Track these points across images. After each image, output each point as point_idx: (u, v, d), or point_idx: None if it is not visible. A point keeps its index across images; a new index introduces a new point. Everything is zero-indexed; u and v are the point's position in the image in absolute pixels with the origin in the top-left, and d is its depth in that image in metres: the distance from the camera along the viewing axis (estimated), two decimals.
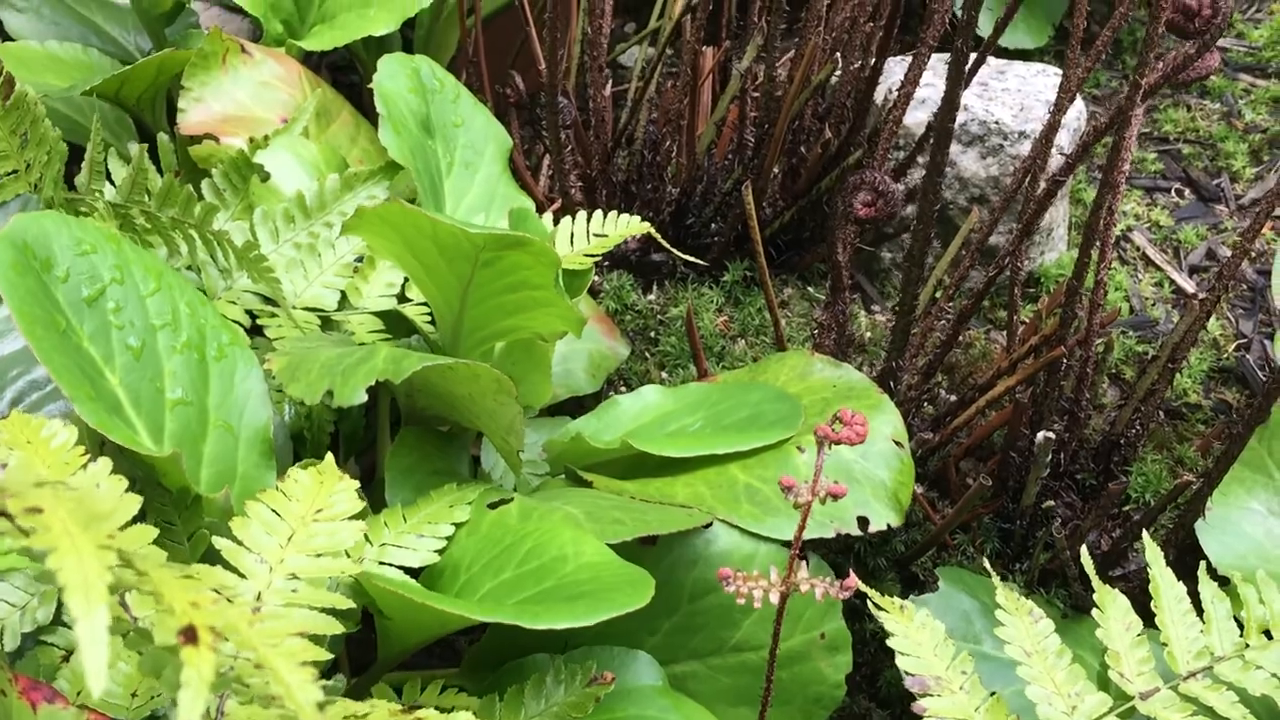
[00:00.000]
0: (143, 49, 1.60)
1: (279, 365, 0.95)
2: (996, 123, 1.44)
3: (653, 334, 1.47)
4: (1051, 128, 1.15)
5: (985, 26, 1.90)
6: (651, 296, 1.50)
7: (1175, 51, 1.03)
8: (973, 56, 1.59)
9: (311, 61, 1.47)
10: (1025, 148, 1.44)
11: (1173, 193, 1.75)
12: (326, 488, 0.78)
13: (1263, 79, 1.91)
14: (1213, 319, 1.54)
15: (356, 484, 0.81)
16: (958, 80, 1.02)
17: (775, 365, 1.21)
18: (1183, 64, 1.00)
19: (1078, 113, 1.51)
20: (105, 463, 0.67)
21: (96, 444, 0.86)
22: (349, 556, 0.82)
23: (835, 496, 0.75)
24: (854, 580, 0.74)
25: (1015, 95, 1.47)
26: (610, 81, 1.53)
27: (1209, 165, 1.78)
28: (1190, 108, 1.86)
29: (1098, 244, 1.12)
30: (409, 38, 1.70)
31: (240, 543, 0.72)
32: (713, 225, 1.50)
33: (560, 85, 1.43)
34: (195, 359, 0.95)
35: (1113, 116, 1.03)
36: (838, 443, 0.75)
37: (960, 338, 1.40)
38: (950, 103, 1.04)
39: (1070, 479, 1.24)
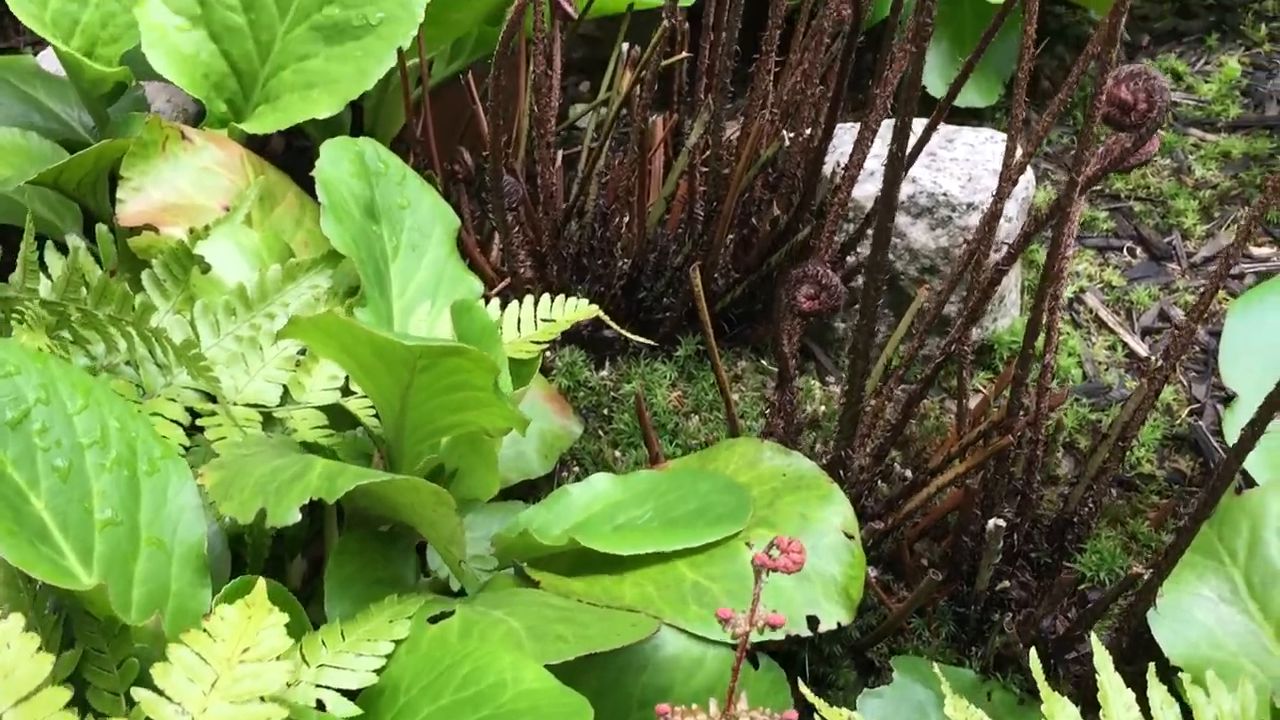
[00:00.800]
0: (87, 124, 1.58)
1: (212, 481, 0.93)
2: (944, 194, 1.44)
3: (606, 411, 1.45)
4: (994, 215, 1.15)
5: (937, 87, 1.91)
6: (604, 372, 1.48)
7: (1114, 140, 1.03)
8: (922, 123, 1.59)
9: (256, 141, 1.45)
10: (974, 219, 1.44)
11: (1125, 251, 1.75)
12: (255, 623, 0.76)
13: (1212, 133, 1.92)
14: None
15: (286, 618, 0.79)
16: (898, 171, 1.01)
17: (725, 452, 1.20)
18: (1120, 156, 1.00)
19: (1026, 182, 1.51)
20: (17, 620, 0.65)
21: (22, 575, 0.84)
22: (283, 682, 0.80)
23: (773, 626, 0.74)
24: (793, 714, 0.73)
25: (963, 165, 1.47)
26: (560, 155, 1.52)
27: (1160, 223, 1.79)
28: (1140, 164, 1.87)
29: (1043, 329, 1.12)
30: (360, 107, 1.69)
31: (161, 692, 0.70)
32: (665, 299, 1.50)
33: (507, 164, 1.42)
34: (125, 475, 0.93)
35: (1052, 209, 1.03)
36: (775, 570, 0.74)
37: (914, 410, 1.40)
38: (889, 202, 1.04)
39: (1025, 558, 1.24)
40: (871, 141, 1.28)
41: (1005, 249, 1.07)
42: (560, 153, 1.56)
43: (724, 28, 1.48)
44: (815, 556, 1.05)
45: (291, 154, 1.88)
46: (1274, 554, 1.10)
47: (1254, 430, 1.01)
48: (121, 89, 1.48)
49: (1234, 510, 1.12)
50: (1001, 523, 1.09)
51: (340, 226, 1.23)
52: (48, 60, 1.68)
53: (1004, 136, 1.56)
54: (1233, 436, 1.16)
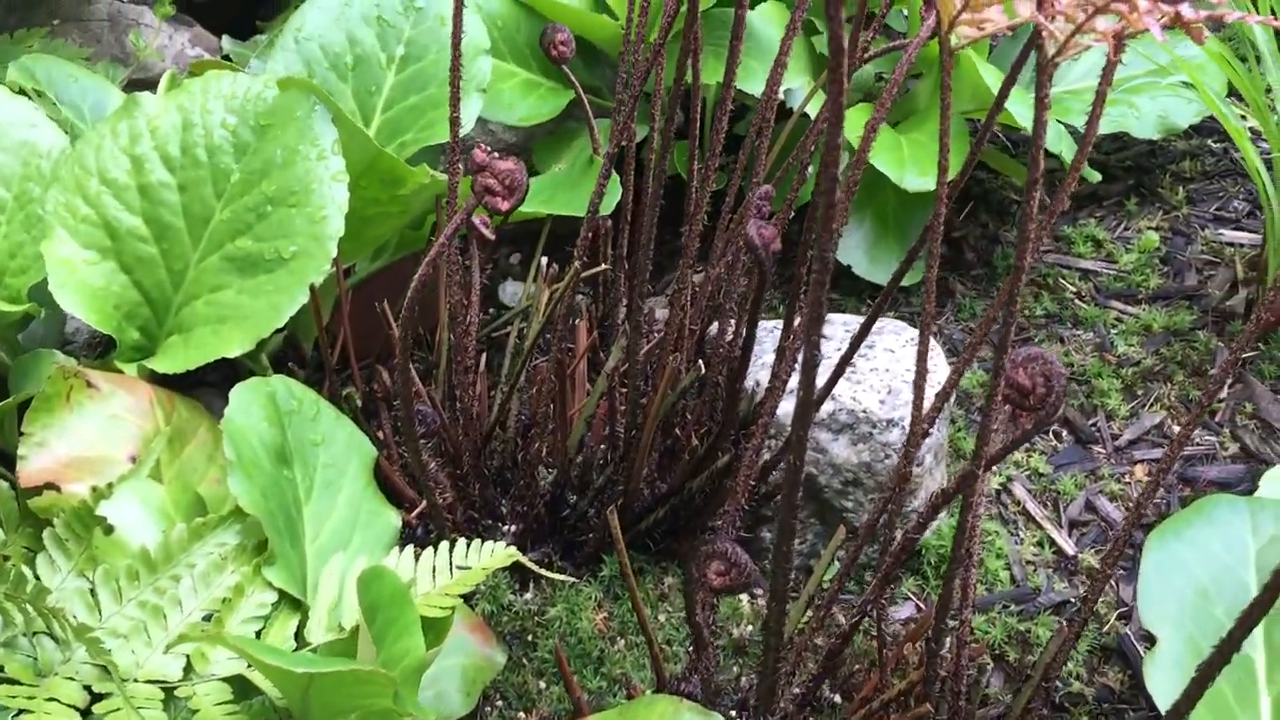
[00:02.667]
0: None
1: None
2: (864, 411, 1.44)
3: (530, 637, 1.43)
4: (908, 459, 1.15)
5: (862, 265, 1.93)
6: (529, 595, 1.46)
7: (1024, 418, 1.03)
8: (844, 320, 1.60)
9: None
10: (895, 435, 1.44)
11: (1051, 434, 1.76)
12: None
13: (1133, 305, 1.94)
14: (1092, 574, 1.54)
15: None
16: (809, 407, 1.01)
17: (644, 711, 1.17)
18: (1022, 438, 1.00)
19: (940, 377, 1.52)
20: None
21: None
22: None
23: None
24: None
25: (883, 377, 1.48)
26: (483, 363, 1.51)
27: (1085, 403, 1.80)
28: (1064, 340, 1.89)
29: (958, 585, 1.11)
30: None
31: None
32: (589, 517, 1.48)
33: (418, 392, 1.40)
34: None
35: (958, 483, 1.03)
36: None
37: (837, 660, 1.38)
38: (799, 442, 1.02)
39: None
40: (793, 364, 1.28)
41: (915, 517, 1.06)
42: (483, 364, 1.54)
43: (642, 230, 1.49)
44: None
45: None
46: None
47: (1188, 698, 1.00)
48: (28, 319, 1.46)
49: None
50: None
51: (249, 482, 1.21)
52: None
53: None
54: (1155, 683, 1.16)
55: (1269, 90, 1.76)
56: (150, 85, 2.09)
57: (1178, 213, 2.10)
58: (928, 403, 1.43)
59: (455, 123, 1.35)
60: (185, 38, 2.14)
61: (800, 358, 0.84)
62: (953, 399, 1.54)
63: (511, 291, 2.02)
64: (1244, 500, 1.27)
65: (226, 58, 2.16)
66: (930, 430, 1.33)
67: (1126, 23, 0.77)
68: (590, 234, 1.37)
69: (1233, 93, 1.98)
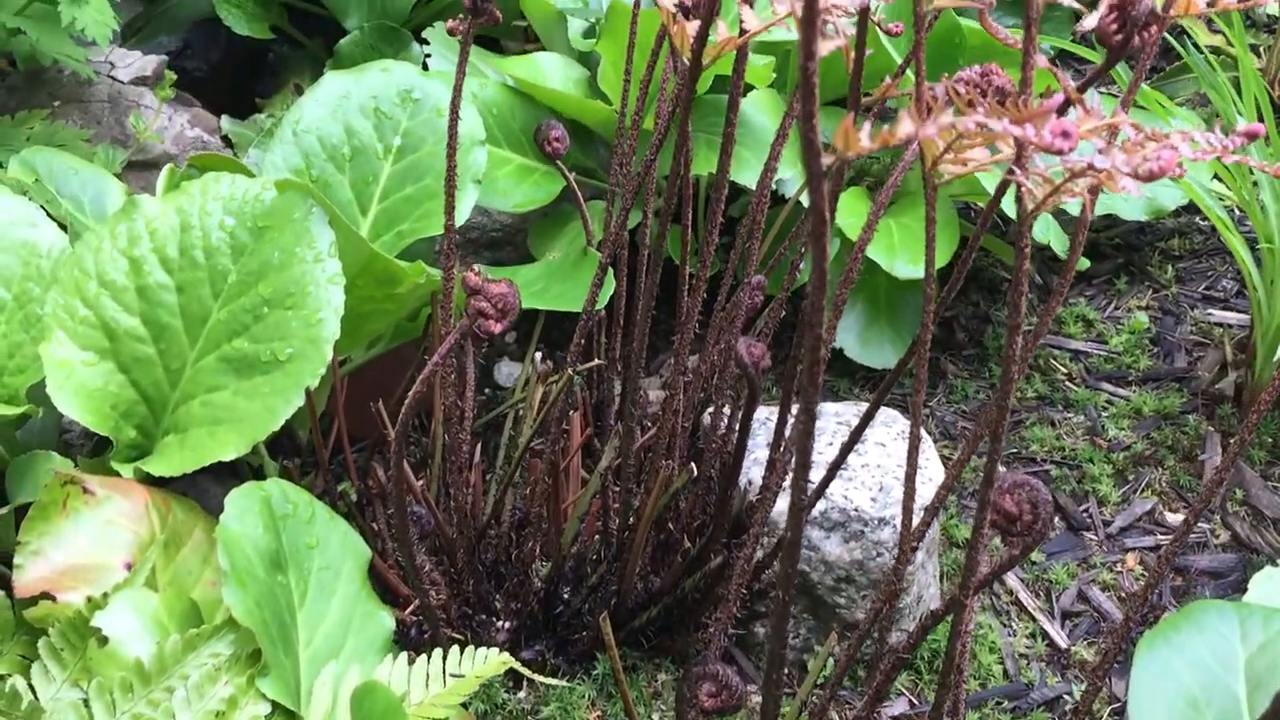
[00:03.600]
0: None
1: None
2: (856, 510, 1.45)
3: None
4: (897, 575, 1.15)
5: (854, 349, 1.94)
6: (522, 694, 1.46)
7: (1012, 542, 1.04)
8: (837, 408, 1.61)
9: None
10: (886, 534, 1.44)
11: None
12: None
13: (1123, 387, 1.96)
14: (1085, 668, 1.55)
15: None
16: (799, 521, 1.01)
17: None
18: (1010, 563, 1.01)
19: (932, 473, 1.53)
20: None
21: None
22: None
23: None
24: None
25: (875, 473, 1.49)
26: (478, 463, 1.52)
27: (1076, 488, 1.81)
28: (1055, 424, 1.90)
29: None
30: None
31: None
32: (583, 615, 1.48)
33: (413, 490, 1.41)
34: None
35: (948, 604, 1.04)
36: None
37: None
38: (794, 545, 1.03)
39: None
40: (783, 476, 1.29)
41: (905, 636, 1.07)
42: (478, 453, 1.55)
43: (635, 324, 1.51)
44: None
45: None
46: None
47: None
48: (25, 418, 1.47)
49: None
50: None
51: (243, 591, 1.21)
52: None
53: (921, 430, 1.58)
54: None
55: (1252, 173, 1.78)
56: (150, 167, 2.12)
57: (1167, 291, 2.12)
58: (921, 503, 1.44)
59: (450, 218, 1.37)
60: (185, 118, 2.17)
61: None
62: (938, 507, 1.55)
63: (507, 372, 2.03)
64: (1232, 606, 1.28)
65: (226, 138, 2.19)
66: (925, 530, 1.33)
67: (1100, 182, 0.79)
68: (583, 336, 1.39)
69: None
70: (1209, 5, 1.02)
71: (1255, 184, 1.77)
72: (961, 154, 0.96)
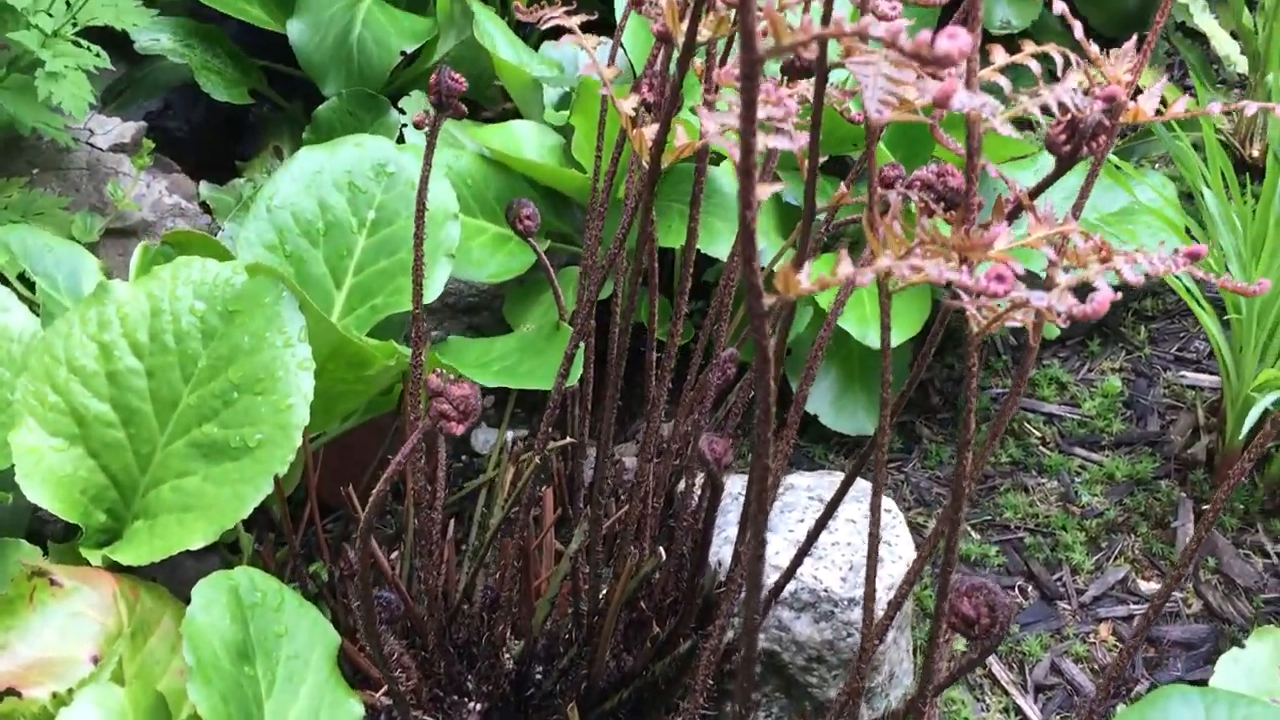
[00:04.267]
0: None
1: None
2: (825, 590, 1.45)
3: None
4: (860, 671, 1.16)
5: (829, 416, 1.95)
6: None
7: (971, 647, 1.05)
8: (807, 478, 1.61)
9: None
10: (856, 614, 1.45)
11: (1016, 590, 1.77)
12: None
13: (1096, 452, 1.97)
14: None
15: None
16: (755, 599, 1.02)
17: None
18: (969, 665, 1.01)
19: (902, 550, 1.53)
20: None
21: None
22: None
23: None
24: None
25: (845, 552, 1.49)
26: (451, 539, 1.52)
27: (1049, 556, 1.81)
28: (1029, 489, 1.91)
29: None
30: None
31: None
32: (555, 695, 1.48)
33: (385, 575, 1.42)
34: None
35: (907, 708, 1.04)
36: None
37: None
38: (751, 630, 1.04)
39: None
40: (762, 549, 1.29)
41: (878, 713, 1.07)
42: (453, 525, 1.55)
43: (605, 404, 1.52)
44: None
45: None
46: None
47: None
48: None
49: None
50: None
51: (208, 688, 1.21)
52: None
53: (889, 506, 1.59)
54: None
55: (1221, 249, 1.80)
56: (128, 234, 2.13)
57: (1140, 353, 2.13)
58: (892, 582, 1.44)
59: (418, 303, 1.38)
60: (163, 185, 2.18)
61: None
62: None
63: (484, 439, 2.04)
64: (1197, 693, 1.28)
65: (204, 204, 2.20)
66: (888, 624, 1.34)
67: (1043, 317, 0.80)
68: (556, 410, 1.40)
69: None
70: (1156, 114, 1.03)
71: (1222, 250, 1.78)
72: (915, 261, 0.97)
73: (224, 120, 2.48)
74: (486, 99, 2.30)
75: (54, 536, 1.57)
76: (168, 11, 2.24)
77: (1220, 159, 1.74)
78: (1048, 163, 2.07)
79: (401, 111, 2.10)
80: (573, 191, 2.03)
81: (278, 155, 2.37)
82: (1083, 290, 0.82)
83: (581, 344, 1.62)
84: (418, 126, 1.27)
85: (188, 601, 1.26)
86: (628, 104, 1.10)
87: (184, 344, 1.46)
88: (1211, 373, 2.07)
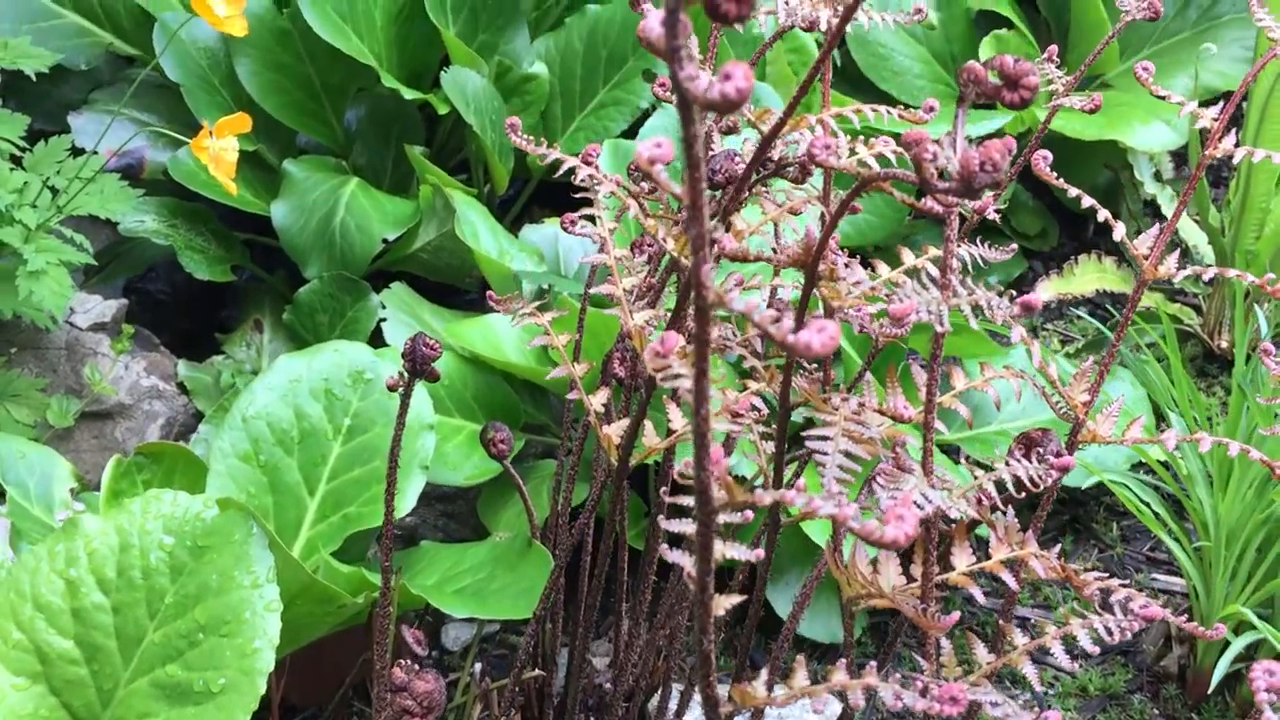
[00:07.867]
0: None
1: None
2: None
3: None
4: None
5: (819, 634, 1.94)
6: None
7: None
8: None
9: None
10: None
11: None
12: None
13: (1069, 662, 1.96)
14: None
15: None
16: None
17: None
18: None
19: None
20: None
21: None
22: None
23: None
24: None
25: None
26: None
27: None
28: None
29: None
30: None
31: None
32: None
33: None
34: None
35: None
36: None
37: None
38: None
39: None
40: None
41: None
42: None
43: (580, 624, 1.52)
44: None
45: None
46: None
47: None
48: None
49: None
50: None
51: None
52: None
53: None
54: None
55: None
56: (104, 417, 2.13)
57: (1113, 551, 2.14)
58: None
59: (389, 508, 1.38)
60: (141, 366, 2.18)
61: None
62: None
63: (455, 635, 2.02)
64: None
65: (181, 385, 2.20)
66: None
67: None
68: (533, 638, 1.39)
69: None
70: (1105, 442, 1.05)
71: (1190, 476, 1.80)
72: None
73: (206, 287, 2.50)
74: (467, 286, 2.33)
75: None
76: (153, 190, 2.26)
77: (1186, 385, 1.77)
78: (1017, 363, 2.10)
79: (383, 304, 2.12)
80: (551, 385, 2.05)
81: (258, 329, 2.39)
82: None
83: (556, 568, 1.62)
84: (391, 389, 1.28)
85: None
86: (598, 399, 1.12)
87: (151, 579, 1.45)
88: (1183, 576, 2.08)
